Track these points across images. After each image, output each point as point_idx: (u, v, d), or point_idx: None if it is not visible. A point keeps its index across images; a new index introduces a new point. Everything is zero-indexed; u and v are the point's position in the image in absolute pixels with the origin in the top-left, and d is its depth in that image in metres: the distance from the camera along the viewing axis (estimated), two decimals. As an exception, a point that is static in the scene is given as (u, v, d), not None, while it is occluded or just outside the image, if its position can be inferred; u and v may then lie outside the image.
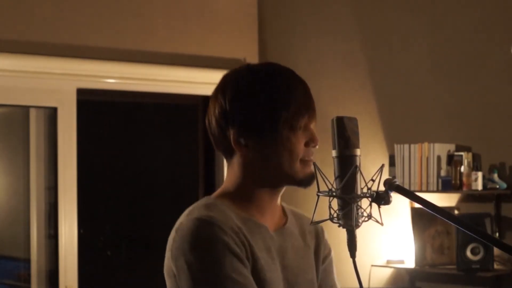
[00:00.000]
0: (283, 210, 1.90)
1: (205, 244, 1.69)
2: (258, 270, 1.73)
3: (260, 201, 1.81)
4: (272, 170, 1.78)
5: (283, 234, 1.84)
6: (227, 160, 1.84)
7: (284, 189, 1.84)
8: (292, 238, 1.86)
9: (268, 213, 1.82)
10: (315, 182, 1.69)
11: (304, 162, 1.77)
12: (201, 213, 1.73)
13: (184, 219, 1.75)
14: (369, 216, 1.58)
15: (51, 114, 5.07)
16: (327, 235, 1.96)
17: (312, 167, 1.75)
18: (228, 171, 1.85)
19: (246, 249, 1.72)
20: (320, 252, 1.91)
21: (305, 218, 1.94)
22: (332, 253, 1.97)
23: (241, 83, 1.80)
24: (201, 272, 1.67)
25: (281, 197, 1.88)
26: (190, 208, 1.79)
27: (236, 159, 1.81)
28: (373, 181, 1.58)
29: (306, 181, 1.78)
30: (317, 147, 1.80)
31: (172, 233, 1.75)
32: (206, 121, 1.87)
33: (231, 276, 1.66)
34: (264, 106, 1.77)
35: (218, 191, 1.85)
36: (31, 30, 4.85)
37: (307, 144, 1.78)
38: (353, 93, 5.22)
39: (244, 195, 1.80)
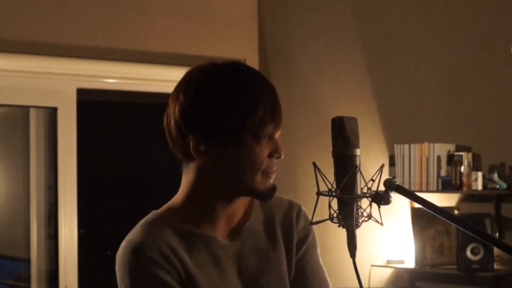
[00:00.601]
0: (251, 202, 1.80)
1: (134, 276, 1.66)
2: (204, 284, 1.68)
3: (212, 211, 1.72)
4: (232, 180, 1.68)
5: (241, 237, 1.76)
6: (183, 165, 1.74)
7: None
8: (252, 238, 1.77)
9: (221, 220, 1.74)
10: (274, 193, 1.68)
11: (266, 173, 1.69)
12: (132, 238, 1.69)
13: (121, 244, 1.71)
14: (369, 216, 1.58)
15: (51, 114, 5.07)
16: (305, 221, 1.84)
17: (272, 180, 1.71)
18: (183, 177, 1.75)
19: (178, 272, 1.66)
20: (292, 241, 1.81)
21: (278, 205, 1.83)
22: (311, 239, 1.85)
23: (206, 85, 1.69)
24: None
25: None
26: (134, 228, 1.74)
27: (193, 166, 1.70)
28: (373, 181, 1.57)
29: (266, 194, 1.71)
30: (281, 157, 1.70)
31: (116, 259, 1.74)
32: (164, 121, 1.74)
33: None
34: (228, 112, 1.65)
35: (169, 203, 1.76)
36: (31, 30, 4.85)
37: (270, 155, 1.68)
38: (353, 93, 5.22)
39: (194, 206, 1.72)
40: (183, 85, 1.72)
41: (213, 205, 1.72)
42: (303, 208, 1.88)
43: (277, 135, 1.71)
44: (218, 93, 1.67)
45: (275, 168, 1.71)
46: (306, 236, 1.83)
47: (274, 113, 1.68)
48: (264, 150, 1.67)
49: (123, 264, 1.68)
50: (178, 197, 1.76)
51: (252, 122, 1.65)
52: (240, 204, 1.78)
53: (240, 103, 1.66)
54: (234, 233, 1.76)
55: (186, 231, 1.71)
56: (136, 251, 1.66)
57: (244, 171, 1.67)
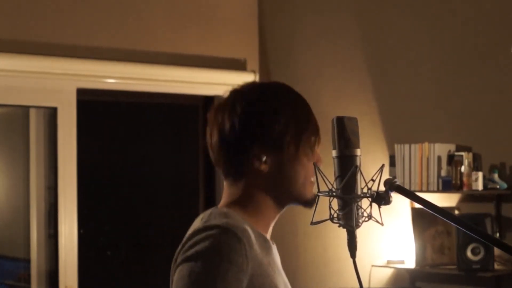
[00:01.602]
0: None
1: (214, 250, 1.64)
2: (265, 285, 1.70)
3: (267, 214, 1.80)
4: (286, 188, 1.78)
5: (276, 251, 1.85)
6: (234, 178, 1.80)
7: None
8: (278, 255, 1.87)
9: (271, 226, 1.83)
10: None
11: (311, 182, 1.79)
12: (222, 222, 1.68)
13: (205, 225, 1.69)
14: (369, 216, 1.58)
15: (51, 114, 5.07)
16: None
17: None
18: (230, 190, 1.81)
19: (255, 265, 1.68)
20: None
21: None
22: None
23: (261, 99, 1.79)
24: (206, 280, 1.62)
25: None
26: (202, 216, 1.76)
27: (249, 174, 1.78)
28: (373, 181, 1.57)
29: (312, 202, 1.79)
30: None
31: (184, 240, 1.71)
32: (212, 137, 1.81)
33: None
34: (289, 123, 1.76)
35: (226, 201, 1.80)
36: (31, 30, 4.85)
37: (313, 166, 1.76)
38: (353, 93, 5.22)
39: (252, 209, 1.78)
40: (232, 102, 1.78)
41: (267, 209, 1.80)
42: None
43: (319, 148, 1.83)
44: (276, 106, 1.78)
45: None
46: None
47: (317, 127, 1.82)
48: (310, 163, 1.78)
49: (218, 242, 1.64)
50: (234, 198, 1.79)
51: (307, 133, 1.78)
52: None
53: (298, 115, 1.78)
54: (274, 245, 1.85)
55: (255, 229, 1.76)
56: (235, 233, 1.65)
57: (298, 179, 1.78)
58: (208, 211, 1.79)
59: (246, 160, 1.77)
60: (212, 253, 1.63)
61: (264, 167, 1.77)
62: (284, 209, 1.83)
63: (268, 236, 1.82)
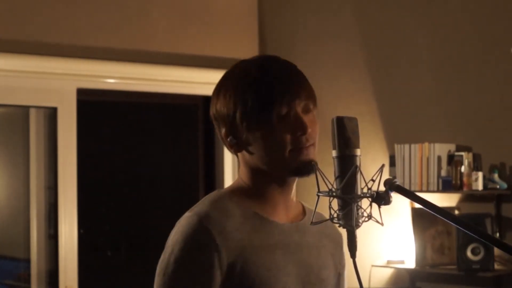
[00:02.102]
0: (303, 209, 1.88)
1: (187, 243, 1.70)
2: (253, 271, 1.71)
3: (271, 196, 1.78)
4: (266, 164, 1.75)
5: (299, 229, 1.81)
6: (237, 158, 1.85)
7: (295, 182, 1.81)
8: (308, 235, 1.83)
9: (281, 208, 1.80)
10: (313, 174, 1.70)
11: (296, 150, 1.73)
12: (200, 210, 1.74)
13: (185, 214, 1.76)
14: (369, 216, 1.58)
15: (51, 114, 5.07)
16: (345, 249, 1.90)
17: (310, 154, 1.73)
18: (239, 168, 1.85)
19: (232, 252, 1.70)
20: (337, 259, 1.89)
21: (328, 222, 1.88)
22: (346, 271, 1.93)
23: (222, 82, 1.80)
24: (171, 269, 1.71)
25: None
26: (200, 201, 1.80)
27: (239, 157, 1.81)
28: (373, 181, 1.57)
29: (302, 169, 1.74)
30: (307, 133, 1.73)
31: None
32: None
33: (188, 285, 1.68)
34: (237, 101, 1.74)
35: (232, 184, 1.84)
36: (31, 30, 4.85)
37: (293, 133, 1.72)
38: (353, 93, 5.21)
39: (254, 189, 1.79)
40: (215, 88, 1.83)
41: (269, 189, 1.78)
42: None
43: (304, 109, 1.74)
44: (227, 85, 1.78)
45: (308, 144, 1.73)
46: (343, 268, 1.93)
47: (283, 93, 1.72)
48: (283, 130, 1.72)
49: (182, 231, 1.72)
50: (238, 182, 1.82)
51: (259, 105, 1.72)
52: (294, 203, 1.85)
53: (247, 88, 1.74)
54: (293, 224, 1.82)
55: (251, 213, 1.76)
56: (200, 223, 1.70)
57: (272, 155, 1.74)
58: (206, 196, 1.83)
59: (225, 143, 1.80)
60: (180, 250, 1.70)
61: (238, 148, 1.77)
62: (290, 184, 1.79)
63: (279, 214, 1.79)
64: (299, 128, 1.72)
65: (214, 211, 1.73)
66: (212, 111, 1.80)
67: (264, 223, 1.76)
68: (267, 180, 1.78)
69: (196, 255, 1.69)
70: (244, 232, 1.73)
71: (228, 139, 1.77)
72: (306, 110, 1.75)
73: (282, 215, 1.80)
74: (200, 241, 1.69)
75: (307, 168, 1.73)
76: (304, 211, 1.87)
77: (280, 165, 1.74)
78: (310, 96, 1.77)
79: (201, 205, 1.77)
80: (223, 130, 1.77)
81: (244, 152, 1.77)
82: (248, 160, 1.78)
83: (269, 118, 1.71)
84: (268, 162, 1.74)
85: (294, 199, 1.85)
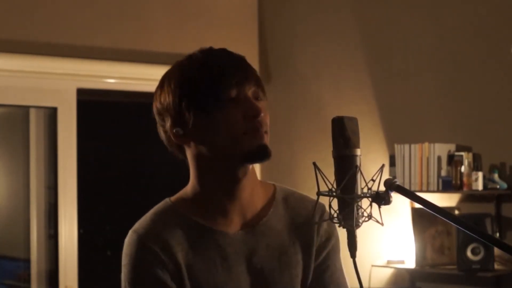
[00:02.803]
0: (273, 198, 1.78)
1: (133, 263, 1.69)
2: (197, 287, 1.68)
3: (221, 202, 1.71)
4: (217, 152, 1.67)
5: (255, 234, 1.73)
6: (186, 161, 1.75)
7: (248, 180, 1.71)
8: (267, 236, 1.74)
9: (233, 212, 1.72)
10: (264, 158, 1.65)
11: (250, 134, 1.65)
12: (140, 226, 1.71)
13: (131, 230, 1.73)
14: (369, 216, 1.57)
15: (51, 114, 5.07)
16: (327, 225, 1.79)
17: (264, 139, 1.67)
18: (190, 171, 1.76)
19: (178, 267, 1.67)
20: (311, 247, 1.77)
21: (302, 206, 1.79)
22: (333, 244, 1.80)
23: (166, 75, 1.74)
24: None
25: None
26: (145, 214, 1.75)
27: (188, 155, 1.73)
28: (374, 181, 1.57)
29: (255, 154, 1.66)
30: (259, 117, 1.66)
31: None
32: (157, 129, 1.78)
33: None
34: (184, 88, 1.67)
35: (181, 191, 1.77)
36: (31, 30, 4.85)
37: (245, 116, 1.66)
38: (353, 93, 5.21)
39: (202, 196, 1.72)
40: (158, 83, 1.77)
41: (219, 196, 1.71)
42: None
43: (254, 96, 1.68)
44: (169, 76, 1.72)
45: (262, 129, 1.67)
46: (327, 240, 1.80)
47: (232, 76, 1.66)
48: (234, 114, 1.65)
49: (126, 252, 1.71)
50: (189, 188, 1.76)
51: (207, 89, 1.65)
52: (256, 196, 1.75)
53: (194, 75, 1.67)
54: (248, 228, 1.73)
55: (195, 224, 1.71)
56: (140, 241, 1.68)
57: (223, 140, 1.66)
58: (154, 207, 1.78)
59: (172, 141, 1.73)
60: (130, 272, 1.69)
61: (185, 140, 1.70)
62: (243, 180, 1.69)
63: (228, 221, 1.71)
64: (251, 109, 1.66)
65: (154, 226, 1.70)
66: (156, 105, 1.72)
67: (210, 235, 1.70)
68: (215, 179, 1.70)
69: (146, 273, 1.67)
70: (186, 247, 1.68)
71: (174, 131, 1.69)
72: (256, 97, 1.69)
73: (235, 221, 1.72)
74: (145, 260, 1.67)
75: (260, 152, 1.66)
76: (272, 200, 1.77)
77: (232, 150, 1.65)
78: (260, 85, 1.70)
79: (143, 220, 1.72)
80: (168, 123, 1.70)
81: (192, 144, 1.70)
82: (195, 153, 1.70)
83: (219, 101, 1.65)
84: (219, 149, 1.66)
85: (256, 194, 1.75)
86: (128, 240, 1.70)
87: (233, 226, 1.73)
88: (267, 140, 1.67)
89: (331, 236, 1.81)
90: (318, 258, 1.79)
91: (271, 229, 1.75)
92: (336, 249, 1.82)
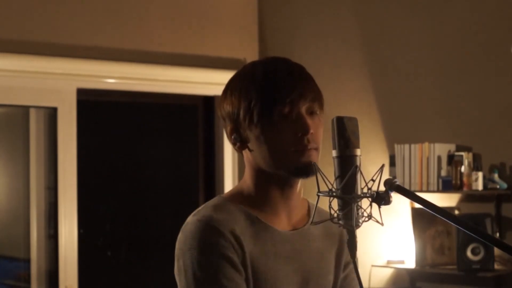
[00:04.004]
0: (309, 209, 1.87)
1: (203, 247, 1.68)
2: (255, 277, 1.71)
3: (273, 201, 1.78)
4: (268, 165, 1.75)
5: (301, 236, 1.81)
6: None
7: (298, 185, 1.81)
8: (311, 240, 1.82)
9: (282, 212, 1.79)
10: (313, 176, 1.69)
11: (299, 152, 1.73)
12: (205, 214, 1.72)
13: (189, 219, 1.74)
14: (369, 216, 1.57)
15: (51, 114, 5.07)
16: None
17: (311, 156, 1.72)
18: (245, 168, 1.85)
19: (244, 255, 1.70)
20: (342, 257, 1.87)
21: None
22: (356, 259, 1.93)
23: (230, 82, 1.81)
24: (195, 275, 1.67)
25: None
26: (200, 207, 1.78)
27: (244, 156, 1.81)
28: (373, 181, 1.57)
29: (301, 170, 1.73)
30: (309, 135, 1.72)
31: (180, 233, 1.75)
32: None
33: (222, 283, 1.66)
34: (241, 100, 1.74)
35: (232, 189, 1.83)
36: (31, 30, 4.85)
37: (295, 133, 1.72)
38: (353, 93, 5.21)
39: (256, 193, 1.78)
40: (224, 88, 1.83)
41: (271, 192, 1.78)
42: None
43: (308, 111, 1.74)
44: (233, 85, 1.78)
45: (310, 146, 1.73)
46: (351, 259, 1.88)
47: (286, 94, 1.72)
48: (285, 130, 1.72)
49: (193, 236, 1.69)
50: (243, 185, 1.81)
51: (261, 105, 1.72)
52: (299, 205, 1.83)
53: (249, 89, 1.74)
54: (295, 231, 1.80)
55: (254, 218, 1.76)
56: (210, 226, 1.69)
57: (273, 155, 1.73)
58: (206, 202, 1.81)
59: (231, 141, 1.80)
60: (200, 253, 1.68)
61: (241, 147, 1.77)
62: (294, 187, 1.79)
63: (282, 221, 1.79)
64: (300, 128, 1.72)
65: (219, 214, 1.72)
66: (220, 109, 1.81)
67: (266, 230, 1.76)
68: (268, 180, 1.77)
69: (218, 256, 1.67)
70: (248, 237, 1.72)
71: (232, 137, 1.78)
72: (311, 112, 1.76)
73: (284, 221, 1.80)
74: (217, 243, 1.68)
75: (305, 169, 1.73)
76: (308, 212, 1.87)
77: (280, 165, 1.74)
78: (316, 98, 1.77)
79: (204, 209, 1.75)
80: (228, 128, 1.78)
81: (247, 151, 1.78)
82: (250, 159, 1.78)
83: (270, 116, 1.72)
84: (268, 161, 1.74)
85: (300, 200, 1.84)
86: (195, 226, 1.70)
87: (283, 226, 1.80)
88: (315, 157, 1.75)
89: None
90: (345, 270, 1.89)
91: (312, 234, 1.83)
92: (357, 265, 1.89)
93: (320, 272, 1.81)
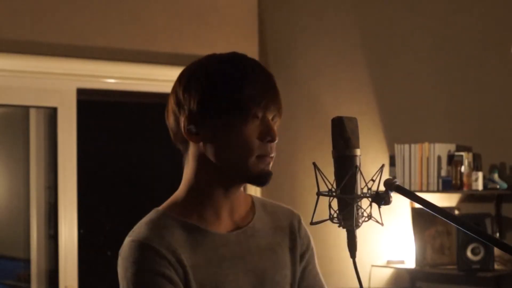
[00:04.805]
0: (253, 205, 1.82)
1: (138, 267, 1.64)
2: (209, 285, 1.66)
3: (215, 201, 1.72)
4: (224, 162, 1.68)
5: (246, 235, 1.75)
6: (184, 159, 1.76)
7: (242, 186, 1.75)
8: (257, 237, 1.77)
9: (225, 213, 1.74)
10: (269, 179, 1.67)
11: (261, 157, 1.68)
12: (139, 233, 1.67)
13: (125, 241, 1.69)
14: (369, 216, 1.57)
15: (51, 114, 5.07)
16: (305, 229, 1.85)
17: (269, 166, 1.70)
18: (184, 172, 1.76)
19: (185, 269, 1.65)
20: (296, 249, 1.82)
21: (280, 211, 1.84)
22: (312, 247, 1.86)
23: (195, 69, 1.72)
24: None
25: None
26: (136, 225, 1.73)
27: (190, 151, 1.73)
28: (373, 181, 1.57)
29: (261, 178, 1.69)
30: (274, 142, 1.70)
31: (118, 257, 1.72)
32: (165, 115, 1.77)
33: None
34: (213, 89, 1.67)
35: (170, 198, 1.77)
36: (31, 30, 4.85)
37: (262, 138, 1.68)
38: (353, 93, 5.21)
39: (196, 197, 1.72)
40: (178, 77, 1.75)
41: (215, 193, 1.72)
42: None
43: (272, 119, 1.71)
44: (205, 73, 1.70)
45: (272, 155, 1.70)
46: (308, 245, 1.85)
47: (263, 95, 1.68)
48: (253, 132, 1.67)
49: (127, 257, 1.66)
50: (179, 192, 1.76)
51: (238, 98, 1.66)
52: (242, 202, 1.78)
53: (226, 80, 1.68)
54: (239, 230, 1.76)
55: (191, 226, 1.70)
56: (143, 245, 1.65)
57: (235, 153, 1.67)
58: (142, 219, 1.75)
59: (182, 135, 1.73)
60: (134, 274, 1.64)
61: (196, 139, 1.70)
62: (238, 188, 1.73)
63: (222, 222, 1.73)
64: (269, 134, 1.69)
65: (154, 230, 1.67)
66: (177, 95, 1.71)
67: (205, 236, 1.70)
68: (214, 177, 1.70)
69: (155, 276, 1.63)
70: (187, 249, 1.67)
71: (188, 127, 1.69)
72: (274, 121, 1.72)
73: (226, 222, 1.74)
74: (153, 261, 1.63)
75: (264, 178, 1.69)
76: (253, 209, 1.81)
77: (240, 167, 1.67)
78: (281, 109, 1.74)
79: (138, 228, 1.69)
80: (183, 118, 1.69)
81: (201, 144, 1.70)
82: (200, 153, 1.70)
83: (245, 116, 1.66)
84: (229, 161, 1.68)
85: (242, 198, 1.79)
86: (129, 247, 1.66)
87: (224, 227, 1.74)
88: (270, 167, 1.71)
89: (310, 240, 1.87)
90: (302, 261, 1.84)
91: (258, 231, 1.78)
92: (314, 253, 1.88)
93: (274, 268, 1.76)
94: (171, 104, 1.73)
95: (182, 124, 1.70)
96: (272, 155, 1.70)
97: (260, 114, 1.68)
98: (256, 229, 1.78)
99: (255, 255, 1.75)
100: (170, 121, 1.74)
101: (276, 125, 1.72)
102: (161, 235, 1.67)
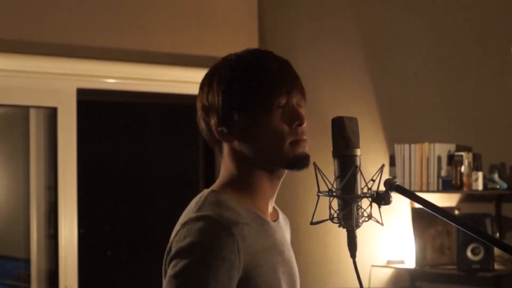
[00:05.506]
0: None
1: (207, 246, 1.61)
2: (258, 276, 1.66)
3: (262, 190, 1.75)
4: (261, 155, 1.71)
5: (279, 227, 1.80)
6: (220, 154, 1.79)
7: (284, 175, 1.77)
8: (284, 231, 1.84)
9: (270, 203, 1.77)
10: (309, 165, 1.69)
11: (294, 142, 1.71)
12: (212, 211, 1.66)
13: (194, 216, 1.67)
14: (369, 216, 1.58)
15: (51, 114, 5.07)
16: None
17: (306, 148, 1.72)
18: (222, 166, 1.79)
19: (244, 253, 1.64)
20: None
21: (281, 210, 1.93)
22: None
23: (214, 72, 1.76)
24: (186, 276, 1.61)
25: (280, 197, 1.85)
26: (198, 200, 1.73)
27: (226, 151, 1.76)
28: (374, 181, 1.57)
29: (297, 163, 1.71)
30: (304, 125, 1.72)
31: (178, 227, 1.69)
32: (197, 122, 1.82)
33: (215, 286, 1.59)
34: (234, 90, 1.71)
35: (219, 182, 1.77)
36: (31, 30, 4.85)
37: (291, 124, 1.71)
38: (353, 93, 5.21)
39: (246, 183, 1.74)
40: (201, 82, 1.80)
41: (260, 181, 1.74)
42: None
43: (296, 102, 1.74)
44: (224, 76, 1.74)
45: (304, 137, 1.73)
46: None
47: (282, 83, 1.73)
48: (280, 120, 1.71)
49: (202, 231, 1.62)
50: (226, 177, 1.76)
51: (259, 94, 1.70)
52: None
53: (244, 80, 1.72)
54: (276, 222, 1.81)
55: (253, 213, 1.72)
56: (221, 224, 1.62)
57: (268, 145, 1.71)
58: (203, 194, 1.75)
59: (215, 137, 1.76)
60: (204, 249, 1.60)
61: (230, 139, 1.73)
62: (281, 176, 1.76)
63: (269, 211, 1.77)
64: (297, 118, 1.72)
65: (226, 213, 1.66)
66: (202, 101, 1.76)
67: (263, 224, 1.73)
68: (257, 172, 1.73)
69: (221, 256, 1.60)
70: (252, 235, 1.68)
71: (219, 129, 1.73)
72: (299, 105, 1.76)
73: (268, 211, 1.78)
74: (225, 243, 1.61)
75: (304, 161, 1.71)
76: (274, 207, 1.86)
77: (277, 156, 1.71)
78: (303, 92, 1.79)
79: (209, 207, 1.68)
80: (214, 120, 1.73)
81: (235, 143, 1.73)
82: (239, 151, 1.73)
83: (269, 107, 1.70)
84: (265, 152, 1.71)
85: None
86: (205, 221, 1.63)
87: (270, 216, 1.79)
88: (307, 148, 1.74)
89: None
90: None
91: (282, 225, 1.84)
92: None
93: (294, 262, 1.82)
94: (199, 110, 1.78)
95: (213, 128, 1.74)
96: (305, 137, 1.73)
97: (283, 101, 1.72)
98: (281, 223, 1.83)
99: (286, 248, 1.79)
100: (202, 126, 1.79)
101: (302, 110, 1.75)
102: (234, 219, 1.66)
